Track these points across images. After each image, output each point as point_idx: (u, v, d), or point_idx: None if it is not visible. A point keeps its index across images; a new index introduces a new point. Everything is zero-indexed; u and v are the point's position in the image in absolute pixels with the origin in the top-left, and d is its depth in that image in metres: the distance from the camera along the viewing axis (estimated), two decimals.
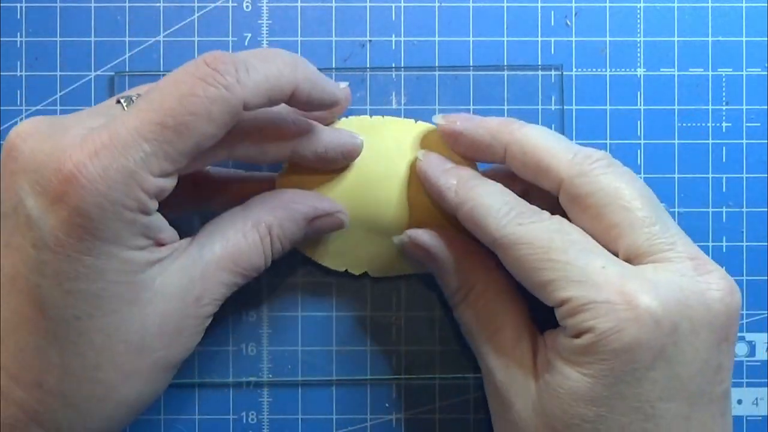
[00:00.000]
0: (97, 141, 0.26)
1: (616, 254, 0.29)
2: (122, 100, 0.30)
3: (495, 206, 0.30)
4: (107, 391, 0.28)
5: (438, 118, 0.33)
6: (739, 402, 0.36)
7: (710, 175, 0.36)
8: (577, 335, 0.28)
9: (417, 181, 0.33)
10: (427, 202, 0.33)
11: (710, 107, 0.36)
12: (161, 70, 0.35)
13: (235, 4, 0.36)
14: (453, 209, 0.31)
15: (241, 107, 0.27)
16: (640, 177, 0.35)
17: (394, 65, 0.36)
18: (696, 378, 0.28)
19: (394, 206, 0.33)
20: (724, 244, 0.36)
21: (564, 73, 0.36)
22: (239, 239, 0.30)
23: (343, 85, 0.33)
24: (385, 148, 0.33)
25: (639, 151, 0.36)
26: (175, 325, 0.29)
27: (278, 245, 0.31)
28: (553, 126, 0.36)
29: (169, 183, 0.27)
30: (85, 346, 0.27)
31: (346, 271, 0.35)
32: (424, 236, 0.32)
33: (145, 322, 0.28)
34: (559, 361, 0.28)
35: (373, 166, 0.33)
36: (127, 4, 0.36)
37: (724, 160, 0.36)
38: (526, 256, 0.29)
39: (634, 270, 0.28)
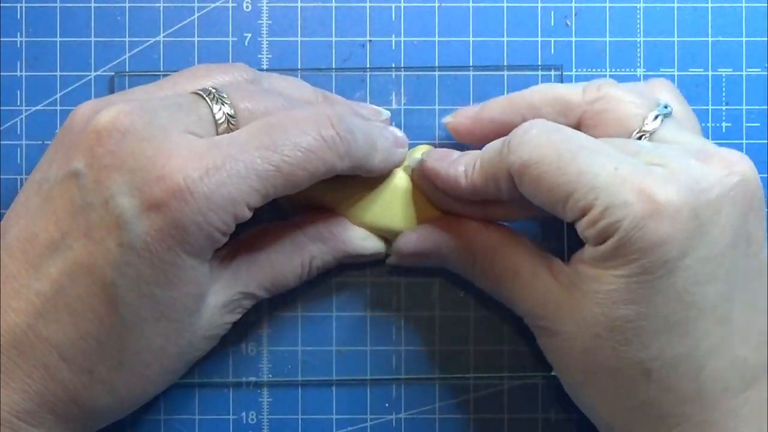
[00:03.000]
0: (210, 161, 0.27)
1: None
2: (205, 96, 0.29)
3: (495, 146, 0.30)
4: (149, 386, 0.30)
5: (447, 118, 0.34)
6: None
7: None
8: (603, 241, 0.28)
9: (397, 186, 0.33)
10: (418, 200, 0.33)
11: (710, 107, 0.36)
12: (161, 70, 0.35)
13: (235, 4, 0.36)
14: (469, 194, 0.31)
15: (335, 173, 0.30)
16: None
17: (394, 65, 0.36)
18: (728, 254, 0.28)
19: (393, 209, 0.33)
20: None
21: (564, 73, 0.36)
22: (283, 263, 0.32)
23: (386, 116, 0.34)
24: None
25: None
26: (214, 332, 0.31)
27: (314, 273, 0.33)
28: None
29: (251, 213, 0.29)
30: (144, 346, 0.29)
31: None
32: (406, 245, 0.33)
33: (196, 329, 0.30)
34: (591, 269, 0.28)
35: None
36: (127, 4, 0.36)
37: None
38: (541, 175, 0.28)
39: (647, 168, 0.28)
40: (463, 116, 0.34)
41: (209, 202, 0.27)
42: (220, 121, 0.29)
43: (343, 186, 0.33)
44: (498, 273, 0.32)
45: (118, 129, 0.27)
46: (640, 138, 0.30)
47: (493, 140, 0.31)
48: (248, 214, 0.28)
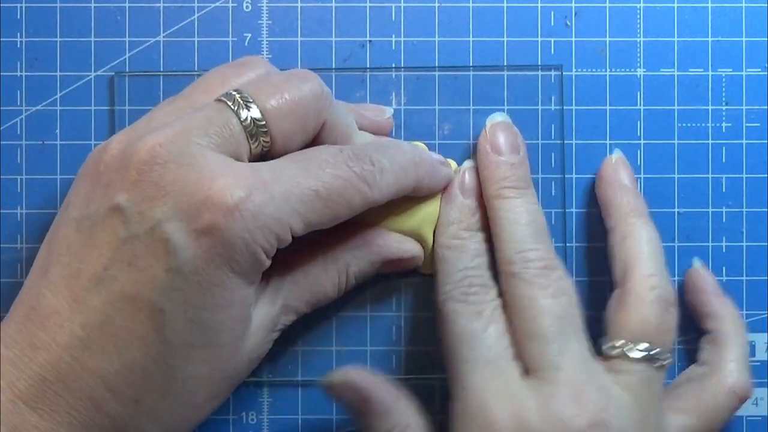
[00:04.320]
0: (254, 181, 0.27)
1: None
2: (230, 104, 0.29)
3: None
4: (194, 413, 0.30)
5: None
6: None
7: (710, 176, 0.36)
8: None
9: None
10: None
11: (710, 107, 0.36)
12: (161, 70, 0.35)
13: (235, 4, 0.36)
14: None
15: (370, 205, 0.30)
16: (640, 177, 0.36)
17: (394, 65, 0.36)
18: None
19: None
20: (724, 244, 0.36)
21: (564, 73, 0.36)
22: (319, 275, 0.32)
23: (389, 113, 0.35)
24: None
25: (639, 151, 0.36)
26: (257, 353, 0.31)
27: (352, 281, 0.33)
28: (553, 126, 0.36)
29: (292, 238, 0.29)
30: (191, 374, 0.28)
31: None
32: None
33: (242, 353, 0.30)
34: None
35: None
36: (127, 4, 0.36)
37: (723, 160, 0.36)
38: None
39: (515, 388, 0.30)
40: None
41: (256, 220, 0.27)
42: (249, 128, 0.29)
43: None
44: None
45: (156, 161, 0.27)
46: (614, 348, 0.31)
47: None
48: (290, 239, 0.28)
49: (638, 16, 0.36)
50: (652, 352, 0.31)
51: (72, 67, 0.35)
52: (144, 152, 0.27)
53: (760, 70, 0.36)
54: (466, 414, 0.30)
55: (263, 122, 0.29)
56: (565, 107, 0.36)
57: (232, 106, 0.29)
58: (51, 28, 0.35)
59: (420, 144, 0.34)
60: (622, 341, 0.31)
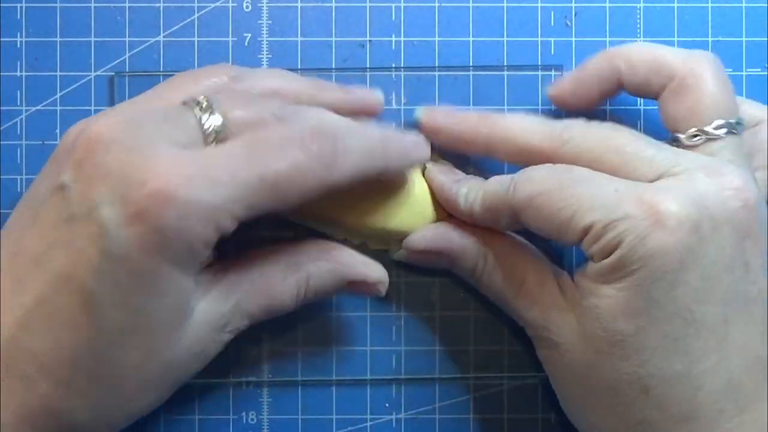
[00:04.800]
0: (193, 168, 0.27)
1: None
2: (193, 106, 0.29)
3: (501, 183, 0.31)
4: (127, 401, 0.29)
5: (419, 111, 0.34)
6: None
7: None
8: (607, 256, 0.28)
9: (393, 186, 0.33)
10: (410, 201, 0.33)
11: None
12: (161, 70, 0.35)
13: (235, 4, 0.36)
14: (464, 217, 0.32)
15: (330, 187, 0.29)
16: None
17: (394, 65, 0.36)
18: (726, 277, 0.28)
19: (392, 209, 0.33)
20: None
21: (564, 73, 0.36)
22: (277, 281, 0.31)
23: (378, 97, 0.34)
24: None
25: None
26: (201, 348, 0.30)
27: (311, 296, 0.32)
28: None
29: (235, 225, 0.28)
30: (122, 359, 0.28)
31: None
32: (419, 241, 0.33)
33: (179, 344, 0.29)
34: (593, 284, 0.29)
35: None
36: (127, 4, 0.36)
37: None
38: (543, 204, 0.29)
39: (646, 185, 0.29)
40: (565, 82, 0.34)
41: (190, 207, 0.26)
42: (207, 132, 0.28)
43: (349, 192, 0.33)
44: (506, 280, 0.32)
45: (103, 141, 0.27)
46: (695, 136, 0.30)
47: (596, 100, 0.33)
48: (231, 226, 0.28)
49: (638, 16, 0.36)
50: (732, 122, 0.30)
51: (72, 67, 0.35)
52: (94, 131, 0.27)
53: (760, 70, 0.36)
54: (613, 226, 0.28)
55: (225, 130, 0.29)
56: None
57: (195, 109, 0.29)
58: (51, 28, 0.35)
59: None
60: (695, 128, 0.30)
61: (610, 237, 0.28)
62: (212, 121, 0.28)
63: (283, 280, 0.31)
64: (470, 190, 0.32)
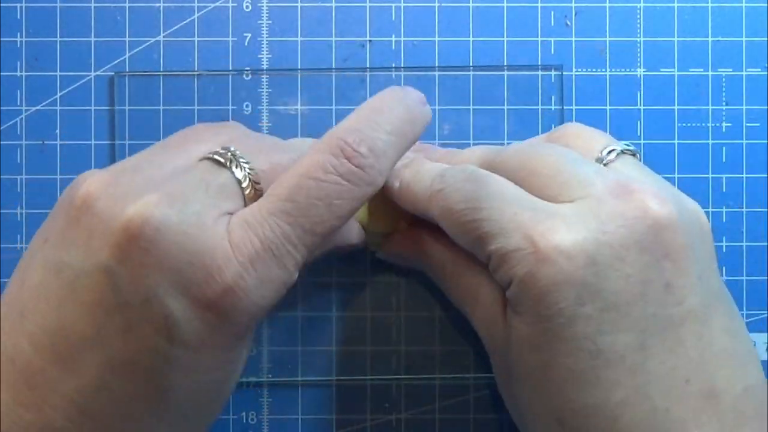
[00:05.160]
0: (251, 248, 0.26)
1: None
2: (224, 161, 0.28)
3: (420, 183, 0.30)
4: None
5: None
6: None
7: (710, 175, 0.36)
8: (507, 287, 0.28)
9: None
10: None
11: (710, 107, 0.36)
12: (161, 70, 0.35)
13: (235, 4, 0.36)
14: (406, 207, 0.32)
15: (372, 195, 0.28)
16: None
17: (394, 65, 0.36)
18: (638, 303, 0.26)
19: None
20: (724, 244, 0.36)
21: (564, 73, 0.36)
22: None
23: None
24: None
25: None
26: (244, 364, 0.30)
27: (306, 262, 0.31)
28: (553, 126, 0.36)
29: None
30: (195, 421, 0.28)
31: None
32: (391, 244, 0.33)
33: (233, 385, 0.29)
34: (510, 313, 0.28)
35: None
36: (127, 4, 0.36)
37: (724, 160, 0.36)
38: (454, 221, 0.29)
39: (549, 210, 0.27)
40: None
41: (260, 290, 0.26)
42: (244, 185, 0.28)
43: None
44: (463, 293, 0.31)
45: (150, 224, 0.25)
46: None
47: None
48: (296, 276, 0.27)
49: (638, 16, 0.36)
50: (618, 148, 0.30)
51: (72, 67, 0.35)
52: (135, 212, 0.25)
53: (760, 70, 0.36)
54: (507, 257, 0.27)
55: (259, 180, 0.28)
56: (565, 107, 0.36)
57: (226, 163, 0.28)
58: (51, 28, 0.35)
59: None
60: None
61: (506, 268, 0.27)
62: (245, 173, 0.28)
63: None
64: (401, 184, 0.31)
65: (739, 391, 0.27)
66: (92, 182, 0.27)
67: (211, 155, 0.28)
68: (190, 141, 0.30)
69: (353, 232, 0.33)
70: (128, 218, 0.25)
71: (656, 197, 0.27)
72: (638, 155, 0.31)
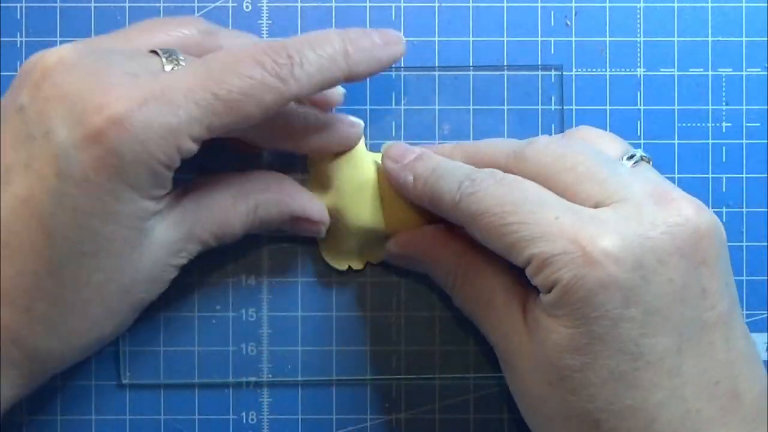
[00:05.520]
0: (148, 90, 0.27)
1: None
2: (161, 54, 0.29)
3: (446, 187, 0.30)
4: (91, 325, 0.29)
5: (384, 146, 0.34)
6: None
7: (710, 175, 0.36)
8: (548, 290, 0.28)
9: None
10: (399, 199, 0.33)
11: (710, 107, 0.36)
12: None
13: (235, 4, 0.36)
14: (419, 203, 0.32)
15: (290, 100, 0.29)
16: None
17: (394, 65, 0.36)
18: (678, 308, 0.27)
19: (376, 208, 0.33)
20: None
21: (564, 73, 0.36)
22: (227, 208, 0.31)
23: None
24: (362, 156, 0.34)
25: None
26: (158, 272, 0.30)
27: (257, 224, 0.32)
28: (553, 126, 0.36)
29: (198, 146, 0.28)
30: (83, 281, 0.28)
31: (348, 268, 0.35)
32: (395, 246, 0.33)
33: (138, 266, 0.29)
34: (543, 315, 0.28)
35: (357, 171, 0.33)
36: (127, 4, 0.36)
37: (724, 160, 0.36)
38: (486, 224, 0.29)
39: (591, 214, 0.28)
40: None
41: (148, 130, 0.27)
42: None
43: (332, 189, 0.33)
44: (474, 297, 0.32)
45: (63, 63, 0.27)
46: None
47: None
48: (193, 147, 0.28)
49: (638, 16, 0.36)
50: (637, 155, 0.31)
51: None
52: (55, 54, 0.28)
53: (760, 70, 0.36)
54: (551, 261, 0.27)
55: None
56: (565, 107, 0.36)
57: (163, 57, 0.29)
58: (51, 28, 0.35)
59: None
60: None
61: (549, 272, 0.27)
62: (171, 67, 0.29)
63: (232, 207, 0.31)
64: (417, 179, 0.32)
65: (758, 392, 0.28)
66: (37, 53, 0.29)
67: (154, 49, 0.29)
68: (143, 32, 0.31)
69: (312, 203, 0.33)
70: (47, 59, 0.28)
71: (694, 205, 0.28)
72: (652, 161, 0.31)
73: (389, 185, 0.33)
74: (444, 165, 0.31)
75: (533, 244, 0.28)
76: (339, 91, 0.33)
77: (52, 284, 0.28)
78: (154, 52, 0.29)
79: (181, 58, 0.29)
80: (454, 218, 0.30)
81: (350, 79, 0.30)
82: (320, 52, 0.29)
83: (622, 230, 0.27)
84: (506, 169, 0.30)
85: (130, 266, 0.29)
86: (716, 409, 0.28)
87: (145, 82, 0.27)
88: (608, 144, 0.31)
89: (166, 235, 0.30)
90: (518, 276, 0.30)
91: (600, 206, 0.28)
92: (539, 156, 0.30)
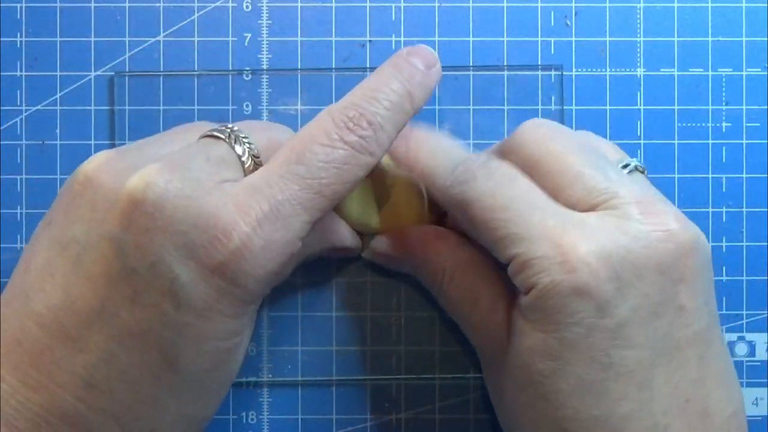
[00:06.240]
0: (258, 209, 0.26)
1: None
2: (223, 137, 0.28)
3: (440, 166, 0.30)
4: (202, 424, 0.29)
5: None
6: None
7: (710, 175, 0.36)
8: (527, 292, 0.28)
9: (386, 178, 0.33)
10: (391, 196, 0.33)
11: (710, 107, 0.36)
12: (161, 70, 0.35)
13: (235, 4, 0.36)
14: (410, 171, 0.32)
15: (375, 165, 0.29)
16: None
17: None
18: (652, 322, 0.27)
19: (367, 204, 0.33)
20: (724, 244, 0.36)
21: (564, 73, 0.36)
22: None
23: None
24: None
25: (639, 151, 0.36)
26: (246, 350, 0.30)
27: (300, 261, 0.32)
28: None
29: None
30: (203, 393, 0.28)
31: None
32: (380, 245, 0.33)
33: (241, 359, 0.29)
34: (520, 318, 0.28)
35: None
36: (127, 4, 0.36)
37: (724, 160, 0.36)
38: (473, 216, 0.29)
39: (576, 219, 0.28)
40: None
41: (267, 252, 0.26)
42: (244, 159, 0.28)
43: None
44: (460, 297, 0.31)
45: (153, 190, 0.26)
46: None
47: None
48: (300, 245, 0.28)
49: (638, 16, 0.36)
50: (632, 164, 0.30)
51: (72, 67, 0.35)
52: (139, 180, 0.26)
53: (760, 70, 0.36)
54: (531, 264, 0.27)
55: (259, 154, 0.29)
56: (565, 107, 0.36)
57: (226, 139, 0.28)
58: (51, 28, 0.35)
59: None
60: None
61: (528, 274, 0.27)
62: (245, 148, 0.28)
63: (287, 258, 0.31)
64: (410, 151, 0.31)
65: (729, 414, 0.28)
66: (94, 160, 0.28)
67: (210, 132, 0.29)
68: (191, 129, 0.30)
69: (347, 233, 0.33)
70: (131, 185, 0.26)
71: (679, 221, 0.28)
72: (647, 172, 0.31)
73: (381, 181, 0.33)
74: (439, 143, 0.31)
75: (517, 243, 0.27)
76: None
77: (173, 404, 0.27)
78: (210, 136, 0.29)
79: (240, 134, 0.29)
80: (442, 199, 0.30)
81: (416, 111, 0.30)
82: (389, 105, 0.29)
83: (604, 240, 0.27)
84: (503, 149, 0.30)
85: (238, 363, 0.29)
86: (684, 426, 0.27)
87: (246, 197, 0.26)
88: (606, 150, 0.31)
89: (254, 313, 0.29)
90: (505, 279, 0.30)
91: (587, 210, 0.28)
92: (525, 148, 0.30)
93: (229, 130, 0.29)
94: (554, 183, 0.29)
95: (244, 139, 0.29)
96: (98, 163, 0.27)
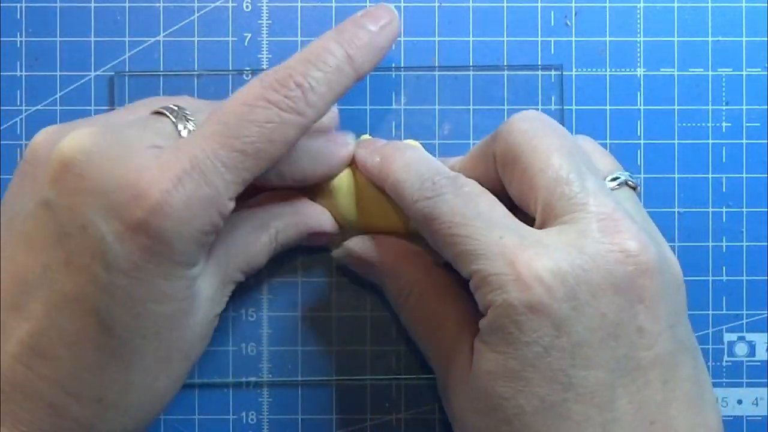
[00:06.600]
0: (178, 167, 0.26)
1: (535, 217, 0.29)
2: (169, 114, 0.29)
3: (409, 181, 0.30)
4: (161, 398, 0.29)
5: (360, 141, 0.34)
6: (739, 402, 0.36)
7: (710, 175, 0.36)
8: (485, 311, 0.28)
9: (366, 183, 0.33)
10: (377, 205, 0.33)
11: (710, 107, 0.36)
12: (161, 70, 0.35)
13: (235, 4, 0.36)
14: (382, 186, 0.32)
15: (310, 126, 0.28)
16: (640, 177, 0.36)
17: (394, 65, 0.36)
18: (609, 343, 0.27)
19: (350, 202, 0.33)
20: (724, 244, 0.36)
21: (564, 73, 0.36)
22: (252, 243, 0.31)
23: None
24: None
25: (639, 151, 0.36)
26: (208, 326, 0.30)
27: (279, 248, 0.32)
28: None
29: (234, 202, 0.28)
30: (149, 361, 0.28)
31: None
32: (357, 245, 0.33)
33: (194, 329, 0.29)
34: (479, 343, 0.28)
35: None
36: (127, 4, 0.36)
37: (724, 160, 0.36)
38: (436, 231, 0.29)
39: (535, 236, 0.28)
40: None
41: (189, 209, 0.26)
42: (183, 134, 0.29)
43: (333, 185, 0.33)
44: (426, 318, 0.31)
45: (83, 151, 0.26)
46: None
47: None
48: (232, 205, 0.28)
49: (638, 16, 0.36)
50: (622, 177, 0.30)
51: (72, 67, 0.35)
52: (71, 142, 0.27)
53: (760, 70, 0.36)
54: (488, 281, 0.27)
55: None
56: (565, 107, 0.36)
57: (170, 116, 0.29)
58: (51, 28, 0.35)
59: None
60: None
61: (485, 291, 0.27)
62: (188, 126, 0.29)
63: (256, 241, 0.31)
64: (382, 165, 0.31)
65: None
66: (39, 134, 0.29)
67: (159, 109, 0.29)
68: (144, 105, 0.31)
69: (324, 217, 0.33)
70: (61, 146, 0.27)
71: (639, 241, 0.27)
72: (639, 189, 0.31)
73: (364, 180, 0.33)
74: (413, 157, 0.31)
75: (475, 260, 0.27)
76: (333, 114, 0.33)
77: (117, 371, 0.27)
78: (158, 112, 0.29)
79: (188, 113, 0.29)
80: (408, 213, 0.30)
81: (359, 80, 0.30)
82: (324, 68, 0.29)
83: (560, 258, 0.27)
84: (493, 135, 0.30)
85: (189, 332, 0.29)
86: None
87: (169, 157, 0.27)
88: (600, 159, 0.31)
89: (209, 289, 0.29)
90: (473, 306, 0.29)
91: (554, 220, 0.28)
92: (521, 137, 0.29)
93: (177, 108, 0.29)
94: (531, 181, 0.29)
95: (189, 117, 0.29)
96: (42, 136, 0.29)
